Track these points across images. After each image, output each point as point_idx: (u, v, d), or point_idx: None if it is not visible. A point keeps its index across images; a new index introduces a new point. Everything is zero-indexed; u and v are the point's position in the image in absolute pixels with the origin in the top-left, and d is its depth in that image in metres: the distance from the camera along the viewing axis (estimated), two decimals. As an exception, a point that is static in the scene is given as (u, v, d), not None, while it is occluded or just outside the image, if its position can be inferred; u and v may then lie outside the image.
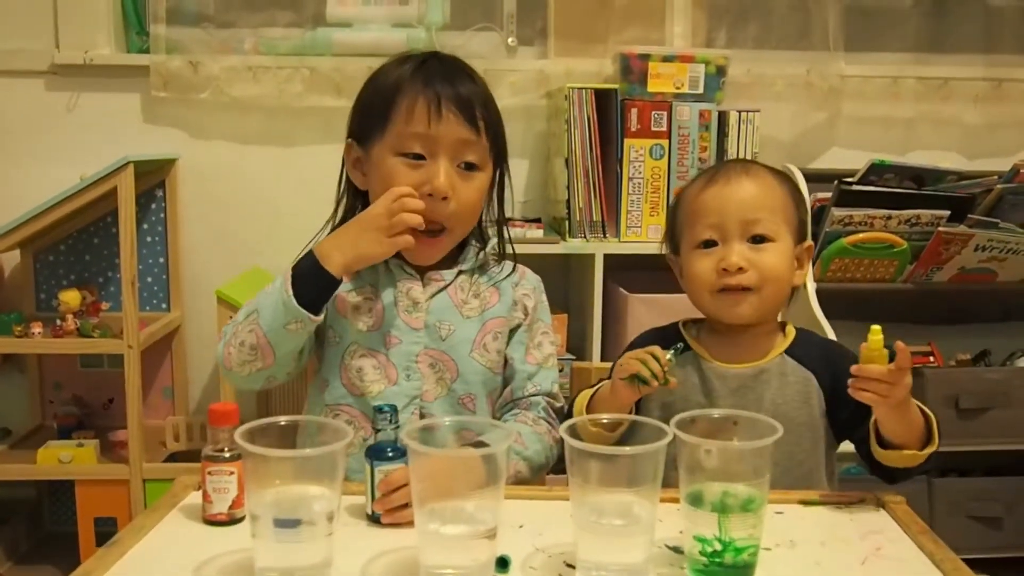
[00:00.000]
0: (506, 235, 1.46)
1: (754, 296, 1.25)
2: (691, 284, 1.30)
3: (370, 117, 1.34)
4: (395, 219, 1.25)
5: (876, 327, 1.10)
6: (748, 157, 2.30)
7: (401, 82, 1.32)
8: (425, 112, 1.29)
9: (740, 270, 1.24)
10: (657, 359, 1.16)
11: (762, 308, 1.26)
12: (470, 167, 1.34)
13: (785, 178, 1.32)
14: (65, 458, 2.28)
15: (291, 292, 1.23)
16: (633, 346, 1.34)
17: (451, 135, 1.30)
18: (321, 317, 1.26)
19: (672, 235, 1.36)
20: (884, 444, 1.16)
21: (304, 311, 1.23)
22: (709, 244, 1.27)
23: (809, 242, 1.33)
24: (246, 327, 1.27)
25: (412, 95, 1.31)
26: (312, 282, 1.25)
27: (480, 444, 1.03)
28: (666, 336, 1.32)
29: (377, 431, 1.11)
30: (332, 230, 1.40)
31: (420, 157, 1.31)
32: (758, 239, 1.25)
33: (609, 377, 1.29)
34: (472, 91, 1.33)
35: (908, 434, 1.14)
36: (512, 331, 1.42)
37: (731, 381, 1.26)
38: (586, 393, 1.29)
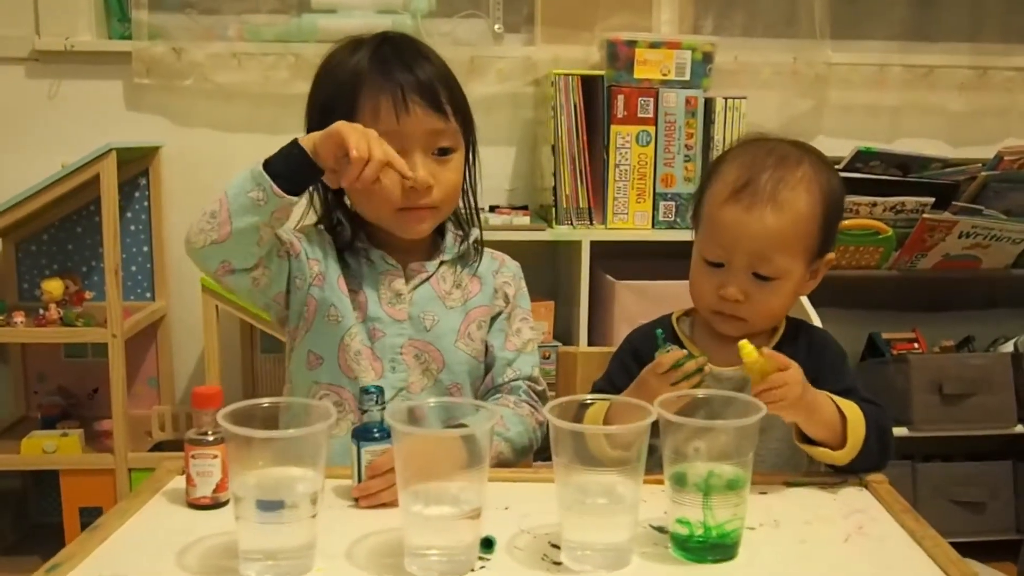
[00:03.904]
0: (480, 222, 1.45)
1: (747, 324, 1.24)
2: (691, 289, 1.28)
3: (332, 115, 1.28)
4: (371, 162, 1.16)
5: (743, 342, 1.11)
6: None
7: (359, 74, 1.29)
8: (391, 109, 1.27)
9: (737, 301, 1.22)
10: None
11: (754, 329, 1.25)
12: (445, 151, 1.32)
13: (822, 188, 1.22)
14: (49, 448, 2.27)
15: (262, 162, 1.19)
16: (632, 340, 1.33)
17: (421, 128, 1.29)
18: (288, 200, 1.18)
19: (696, 210, 1.30)
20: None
21: (267, 177, 1.16)
22: (715, 263, 1.23)
23: (831, 255, 1.27)
24: (216, 196, 1.22)
25: (374, 91, 1.28)
26: (284, 154, 1.19)
27: (463, 426, 1.03)
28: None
29: (364, 412, 1.11)
30: (326, 227, 1.39)
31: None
32: (763, 276, 1.21)
33: (609, 380, 1.29)
34: (432, 73, 1.30)
35: (823, 432, 1.14)
36: (493, 319, 1.42)
37: (724, 384, 1.25)
38: (599, 411, 1.13)
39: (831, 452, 1.14)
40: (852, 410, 1.15)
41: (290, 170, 1.19)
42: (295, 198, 1.20)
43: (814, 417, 1.13)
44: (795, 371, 1.10)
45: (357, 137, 1.15)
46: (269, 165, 1.19)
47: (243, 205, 1.19)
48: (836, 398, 1.16)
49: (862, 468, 1.17)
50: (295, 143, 1.19)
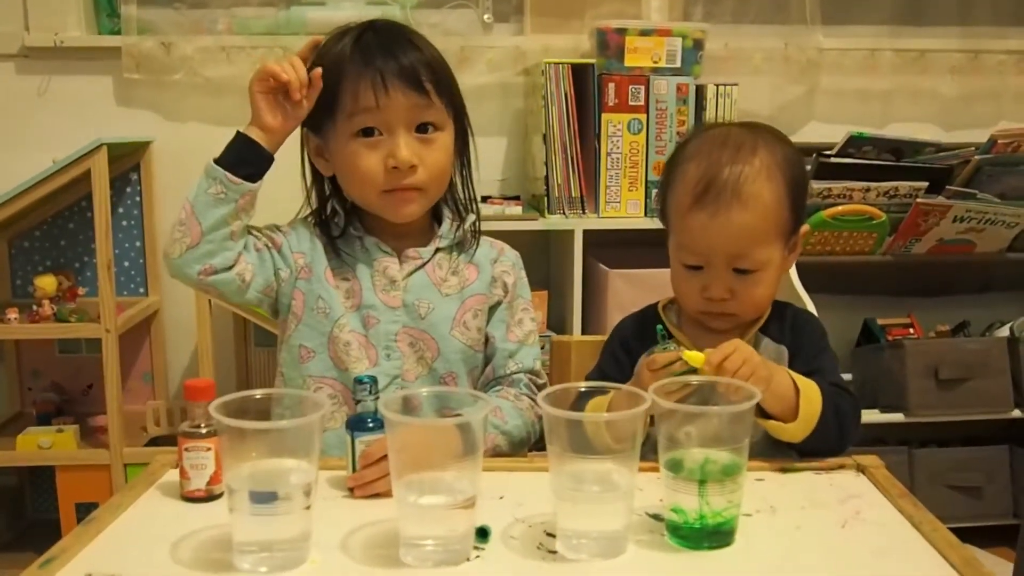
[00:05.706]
0: (479, 209, 1.43)
1: (737, 317, 1.24)
2: (676, 292, 1.28)
3: (318, 105, 1.30)
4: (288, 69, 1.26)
5: (685, 352, 1.11)
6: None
7: (341, 63, 1.29)
8: (370, 91, 1.27)
9: (724, 299, 1.22)
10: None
11: (744, 321, 1.26)
12: (430, 130, 1.31)
13: (782, 169, 1.20)
14: (45, 444, 2.27)
15: (213, 159, 1.26)
16: (620, 330, 1.33)
17: (401, 106, 1.28)
18: (246, 187, 1.24)
19: (663, 209, 1.29)
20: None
21: (220, 169, 1.24)
22: (694, 267, 1.23)
23: (805, 226, 1.27)
24: (180, 206, 1.27)
25: (353, 78, 1.28)
26: (230, 146, 1.27)
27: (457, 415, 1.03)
28: (646, 322, 1.30)
29: (357, 402, 1.10)
30: (316, 221, 1.39)
31: (378, 132, 1.29)
32: (745, 270, 1.21)
33: (600, 371, 1.29)
34: (415, 58, 1.29)
35: (777, 405, 1.13)
36: (492, 309, 1.41)
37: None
38: (601, 403, 1.12)
39: (783, 425, 1.13)
40: (808, 385, 1.15)
41: (240, 158, 1.25)
42: (253, 184, 1.26)
43: (770, 387, 1.11)
44: (742, 347, 1.10)
45: (268, 67, 1.25)
46: (221, 160, 1.25)
47: (206, 203, 1.24)
48: (793, 373, 1.15)
49: (819, 449, 1.16)
50: (238, 134, 1.27)
